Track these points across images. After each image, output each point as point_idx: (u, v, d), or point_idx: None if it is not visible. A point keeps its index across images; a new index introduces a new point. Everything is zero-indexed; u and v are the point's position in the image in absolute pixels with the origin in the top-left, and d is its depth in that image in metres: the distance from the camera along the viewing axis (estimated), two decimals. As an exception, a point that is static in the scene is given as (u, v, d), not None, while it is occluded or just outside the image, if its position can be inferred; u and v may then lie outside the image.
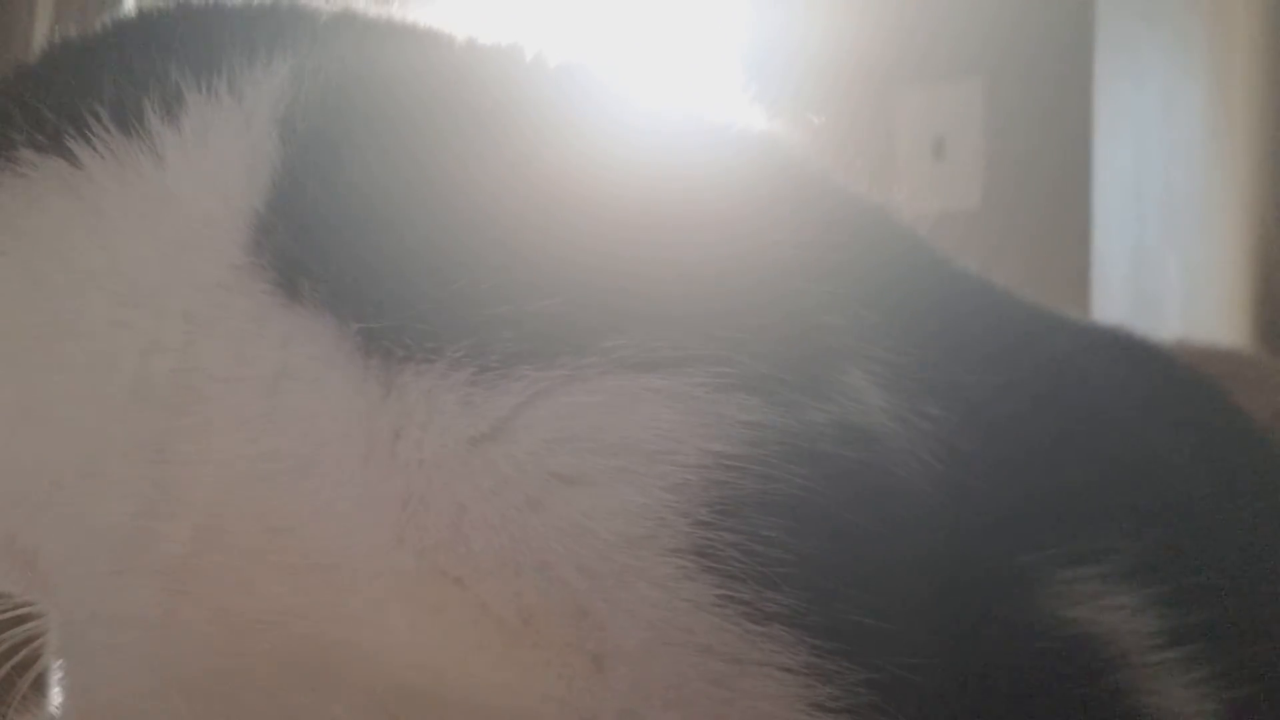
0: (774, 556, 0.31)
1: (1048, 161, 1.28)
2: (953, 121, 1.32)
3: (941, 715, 0.32)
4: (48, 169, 0.38)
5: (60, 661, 0.37)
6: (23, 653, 0.42)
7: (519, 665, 0.32)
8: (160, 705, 0.32)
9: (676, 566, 0.31)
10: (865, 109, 1.34)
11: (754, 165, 0.42)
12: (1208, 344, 0.90)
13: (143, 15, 0.43)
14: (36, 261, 0.37)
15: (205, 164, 0.37)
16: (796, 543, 0.31)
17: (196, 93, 0.38)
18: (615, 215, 0.35)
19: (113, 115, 0.38)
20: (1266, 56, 1.86)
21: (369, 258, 0.34)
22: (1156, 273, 1.46)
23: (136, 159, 0.37)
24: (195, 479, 0.34)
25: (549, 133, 0.37)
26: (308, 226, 0.35)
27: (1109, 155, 1.29)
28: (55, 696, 0.40)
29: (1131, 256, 1.38)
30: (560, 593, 0.31)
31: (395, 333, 0.33)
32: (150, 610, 0.34)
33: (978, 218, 1.29)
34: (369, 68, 0.39)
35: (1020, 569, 0.35)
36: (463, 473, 0.32)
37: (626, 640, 0.31)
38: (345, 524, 0.33)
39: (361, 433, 0.33)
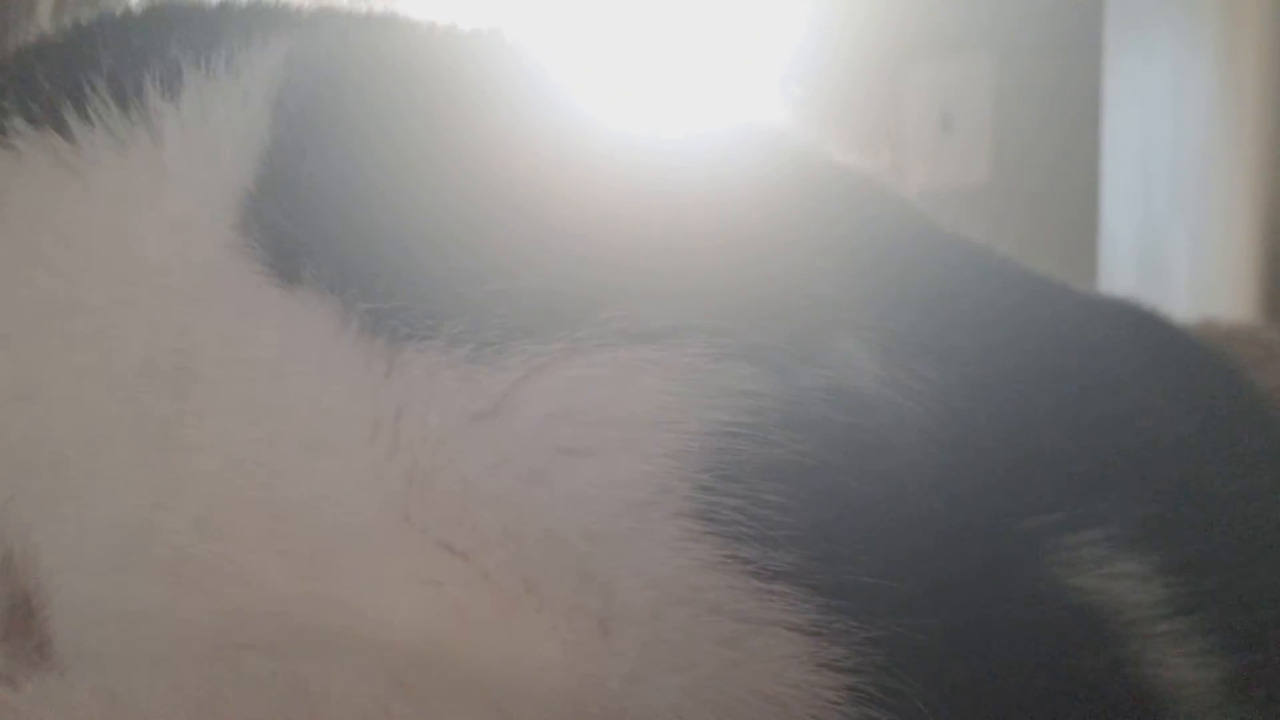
0: (776, 519, 0.32)
1: (1056, 136, 1.28)
2: (961, 96, 1.31)
3: (946, 682, 0.32)
4: (42, 142, 0.37)
5: (66, 653, 0.37)
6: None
7: (524, 632, 0.32)
8: (165, 700, 0.31)
9: (682, 529, 0.32)
10: (873, 83, 1.34)
11: (746, 141, 0.42)
12: (1220, 320, 0.90)
13: (143, 4, 0.43)
14: (32, 237, 0.37)
15: (202, 141, 0.37)
16: (797, 505, 0.32)
17: (195, 69, 0.38)
18: (609, 190, 0.36)
19: (111, 90, 0.37)
20: (1275, 31, 1.85)
21: (370, 238, 0.34)
22: (1164, 247, 1.46)
23: (134, 134, 0.37)
24: (196, 466, 0.34)
25: (538, 112, 0.38)
26: (305, 208, 0.35)
27: (1117, 130, 1.29)
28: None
29: (1139, 231, 1.38)
30: (565, 558, 0.32)
31: (399, 311, 0.33)
32: (152, 604, 0.34)
33: (985, 192, 1.29)
34: (358, 53, 0.40)
35: (1025, 533, 0.36)
36: (467, 449, 0.33)
37: (634, 602, 0.31)
38: (350, 505, 0.33)
39: (365, 413, 0.33)
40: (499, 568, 0.32)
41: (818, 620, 0.31)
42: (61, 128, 0.37)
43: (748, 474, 0.32)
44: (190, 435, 0.34)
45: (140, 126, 0.37)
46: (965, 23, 1.32)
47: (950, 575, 0.33)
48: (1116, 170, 1.29)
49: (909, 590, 0.32)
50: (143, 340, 0.35)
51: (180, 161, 0.36)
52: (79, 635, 0.36)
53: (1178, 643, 0.36)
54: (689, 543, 0.32)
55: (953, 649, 0.33)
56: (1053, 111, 1.28)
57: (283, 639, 0.33)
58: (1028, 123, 1.29)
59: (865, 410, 0.34)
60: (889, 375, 0.35)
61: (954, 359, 0.37)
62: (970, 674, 0.33)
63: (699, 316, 0.34)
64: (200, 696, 0.31)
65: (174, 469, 0.34)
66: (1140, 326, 0.51)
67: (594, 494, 0.32)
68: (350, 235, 0.34)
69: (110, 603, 0.35)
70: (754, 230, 0.37)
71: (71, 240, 0.36)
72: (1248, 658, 0.37)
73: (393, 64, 0.39)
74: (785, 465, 0.32)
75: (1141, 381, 0.45)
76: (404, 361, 0.33)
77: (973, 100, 1.31)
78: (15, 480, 0.36)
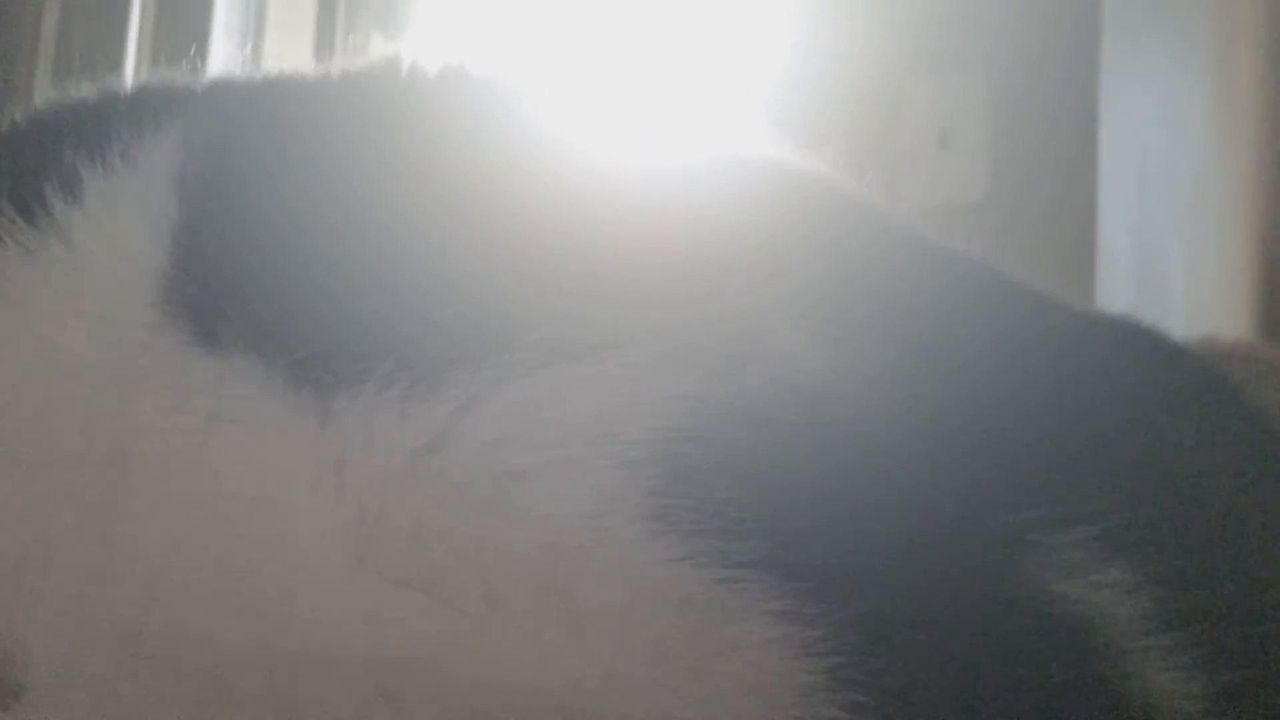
0: (734, 514, 0.32)
1: (1052, 153, 1.28)
2: (957, 114, 1.32)
3: (927, 666, 0.32)
4: None
5: None
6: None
7: (496, 645, 0.32)
8: None
9: (639, 532, 0.32)
10: (870, 101, 1.34)
11: (699, 153, 0.43)
12: (1219, 337, 0.90)
13: (29, 114, 0.44)
14: None
15: (112, 236, 0.37)
16: (754, 499, 0.32)
17: (93, 170, 0.38)
18: (526, 210, 0.36)
19: (16, 207, 0.38)
20: (1270, 47, 1.86)
21: (280, 292, 0.35)
22: (1161, 264, 1.46)
23: (46, 244, 0.38)
24: (139, 538, 0.34)
25: (435, 142, 0.39)
26: (215, 273, 0.36)
27: (1113, 147, 1.30)
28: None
29: (1136, 248, 1.38)
30: (525, 574, 0.32)
31: (322, 360, 0.34)
32: (109, 676, 0.34)
33: (982, 210, 1.29)
34: (250, 117, 0.41)
35: (1006, 530, 0.35)
36: (412, 486, 0.33)
37: (600, 603, 0.32)
38: (302, 558, 0.33)
39: (305, 465, 0.33)
40: (459, 593, 0.32)
41: (792, 604, 0.31)
42: None
43: (698, 474, 0.32)
44: (131, 508, 0.35)
45: (50, 235, 0.38)
46: (961, 41, 1.32)
47: (923, 560, 0.34)
48: (1113, 187, 1.29)
49: (882, 571, 0.33)
50: (79, 431, 0.36)
51: (94, 261, 0.37)
52: (49, 694, 0.36)
53: (1166, 657, 0.35)
54: (648, 543, 0.32)
55: (930, 636, 0.33)
56: (1049, 129, 1.29)
57: (250, 696, 0.33)
58: (1024, 141, 1.29)
59: (815, 403, 0.34)
60: (845, 366, 0.36)
61: (923, 350, 0.38)
62: (948, 660, 0.33)
63: (630, 326, 0.34)
64: None
65: (118, 545, 0.34)
66: (1137, 339, 0.51)
67: (545, 512, 0.32)
68: (262, 293, 0.35)
69: (71, 671, 0.34)
70: (690, 238, 0.37)
71: (1, 354, 0.37)
72: (1236, 673, 0.36)
73: (285, 122, 0.40)
74: (735, 463, 0.33)
75: (1134, 391, 0.45)
76: (337, 410, 0.33)
77: (969, 118, 1.31)
78: None
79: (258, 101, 0.42)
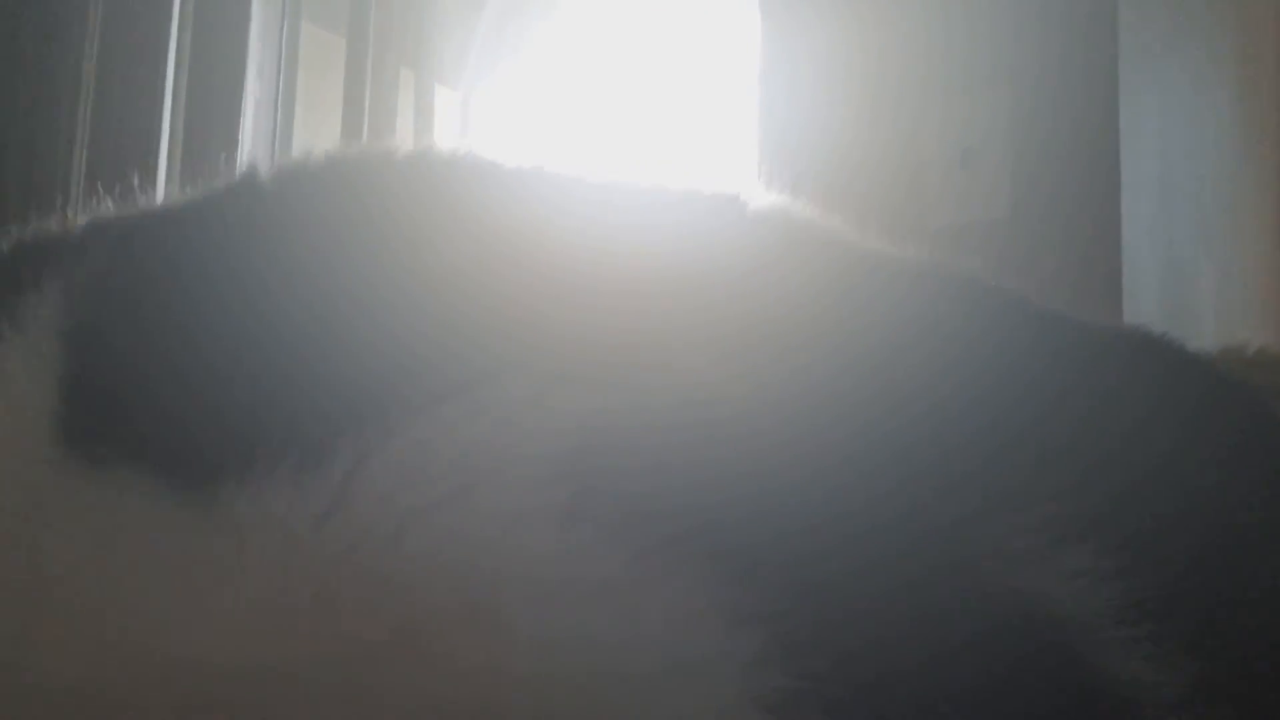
0: (647, 507, 0.33)
1: (1076, 170, 1.29)
2: (980, 133, 1.32)
3: (863, 650, 0.33)
4: None
5: None
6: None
7: (431, 662, 0.33)
8: None
9: (549, 538, 0.33)
10: (893, 121, 1.35)
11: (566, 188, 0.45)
12: (1243, 346, 0.88)
13: None
14: None
15: (9, 394, 0.40)
16: (667, 489, 0.34)
17: None
18: (379, 282, 0.39)
19: None
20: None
21: (160, 405, 0.38)
22: (1190, 278, 1.46)
23: None
24: (55, 666, 0.36)
25: (284, 240, 0.42)
26: (101, 401, 0.39)
27: (1136, 162, 1.30)
28: None
29: (1164, 262, 1.38)
30: (441, 600, 0.33)
31: (204, 453, 0.36)
32: None
33: (1007, 227, 1.29)
34: (123, 253, 0.44)
35: (957, 523, 0.36)
36: (315, 551, 0.34)
37: (522, 599, 0.33)
38: (217, 642, 0.35)
39: (205, 558, 0.35)
40: (378, 630, 0.34)
41: (714, 572, 0.33)
42: None
43: (605, 484, 0.34)
44: (44, 637, 0.36)
45: None
46: (983, 61, 1.33)
47: (850, 543, 0.35)
48: (1137, 203, 1.30)
49: (807, 549, 0.34)
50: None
51: None
52: None
53: (1140, 646, 0.36)
54: (561, 545, 0.33)
55: (862, 605, 0.34)
56: (1072, 146, 1.29)
57: None
58: (1048, 158, 1.29)
59: (717, 412, 0.36)
60: (752, 378, 0.37)
61: (853, 355, 0.39)
62: (874, 624, 0.34)
63: (506, 357, 0.36)
64: None
65: (32, 682, 0.36)
66: (1140, 347, 0.52)
67: (452, 545, 0.34)
68: (144, 409, 0.38)
69: None
70: (572, 265, 0.39)
71: None
72: (1215, 663, 0.37)
73: (150, 254, 0.43)
74: (643, 470, 0.34)
75: (1118, 394, 0.45)
76: (227, 497, 0.35)
77: (992, 137, 1.32)
78: None
79: (128, 239, 0.45)
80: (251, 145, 1.52)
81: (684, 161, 1.55)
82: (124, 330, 0.40)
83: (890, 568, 0.34)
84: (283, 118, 1.55)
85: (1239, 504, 0.43)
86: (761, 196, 0.47)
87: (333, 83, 1.63)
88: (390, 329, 0.38)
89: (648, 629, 0.33)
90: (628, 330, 0.38)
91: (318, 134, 1.60)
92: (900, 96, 1.36)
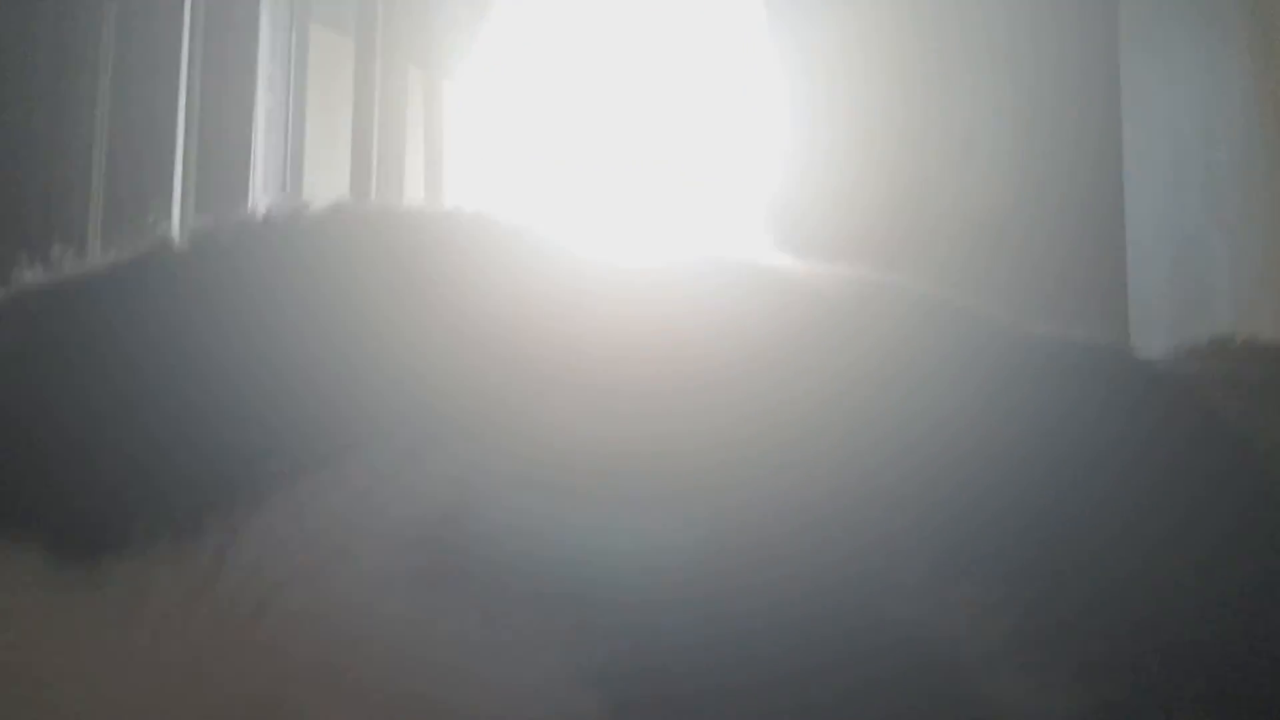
0: (508, 567, 0.35)
1: (1079, 158, 1.28)
2: (981, 122, 1.32)
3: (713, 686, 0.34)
4: None
5: None
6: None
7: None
8: None
9: (416, 590, 0.35)
10: (893, 110, 1.35)
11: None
12: (1233, 339, 0.87)
13: None
14: None
15: None
16: (527, 556, 0.35)
17: None
18: (247, 357, 0.40)
19: None
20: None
21: (37, 479, 0.39)
22: (1202, 262, 1.45)
23: None
24: None
25: (159, 318, 0.43)
26: None
27: (1141, 146, 1.29)
28: None
29: (1174, 245, 1.37)
30: (305, 655, 0.35)
31: (84, 530, 0.37)
32: None
33: (1009, 218, 1.29)
34: (10, 329, 0.45)
35: (845, 560, 0.37)
36: (189, 626, 0.36)
37: (379, 662, 0.34)
38: (96, 713, 0.36)
39: (88, 633, 0.36)
40: (241, 702, 0.35)
41: (567, 631, 0.34)
42: None
43: (468, 543, 0.35)
44: None
45: None
46: (983, 50, 1.32)
47: (715, 602, 0.36)
48: (1142, 188, 1.29)
49: (659, 601, 0.35)
50: None
51: None
52: None
53: (1029, 674, 0.36)
54: (419, 608, 0.35)
55: (708, 655, 0.35)
56: (1075, 134, 1.28)
57: None
58: (1049, 146, 1.29)
59: (584, 464, 0.37)
60: (631, 424, 0.38)
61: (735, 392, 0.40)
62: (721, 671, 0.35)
63: (385, 421, 0.37)
64: None
65: None
66: (1052, 367, 0.51)
67: (313, 615, 0.35)
68: (26, 486, 0.39)
69: None
70: (436, 328, 0.40)
71: None
72: (1108, 690, 0.37)
73: (40, 330, 0.44)
74: (507, 528, 0.36)
75: (1014, 422, 0.45)
76: (105, 572, 0.37)
77: (994, 126, 1.31)
78: None
79: (18, 310, 0.46)
80: (265, 153, 1.54)
81: (686, 156, 1.55)
82: (9, 404, 0.41)
83: (759, 614, 0.35)
84: (294, 125, 1.57)
85: (1142, 533, 0.43)
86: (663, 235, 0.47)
87: (342, 84, 1.64)
88: (261, 401, 0.39)
89: (500, 689, 0.34)
90: (506, 379, 0.39)
91: (328, 137, 1.62)
92: (900, 84, 1.35)
